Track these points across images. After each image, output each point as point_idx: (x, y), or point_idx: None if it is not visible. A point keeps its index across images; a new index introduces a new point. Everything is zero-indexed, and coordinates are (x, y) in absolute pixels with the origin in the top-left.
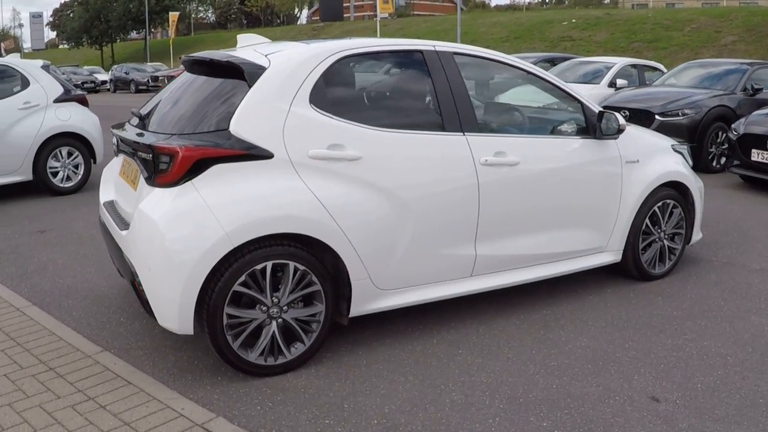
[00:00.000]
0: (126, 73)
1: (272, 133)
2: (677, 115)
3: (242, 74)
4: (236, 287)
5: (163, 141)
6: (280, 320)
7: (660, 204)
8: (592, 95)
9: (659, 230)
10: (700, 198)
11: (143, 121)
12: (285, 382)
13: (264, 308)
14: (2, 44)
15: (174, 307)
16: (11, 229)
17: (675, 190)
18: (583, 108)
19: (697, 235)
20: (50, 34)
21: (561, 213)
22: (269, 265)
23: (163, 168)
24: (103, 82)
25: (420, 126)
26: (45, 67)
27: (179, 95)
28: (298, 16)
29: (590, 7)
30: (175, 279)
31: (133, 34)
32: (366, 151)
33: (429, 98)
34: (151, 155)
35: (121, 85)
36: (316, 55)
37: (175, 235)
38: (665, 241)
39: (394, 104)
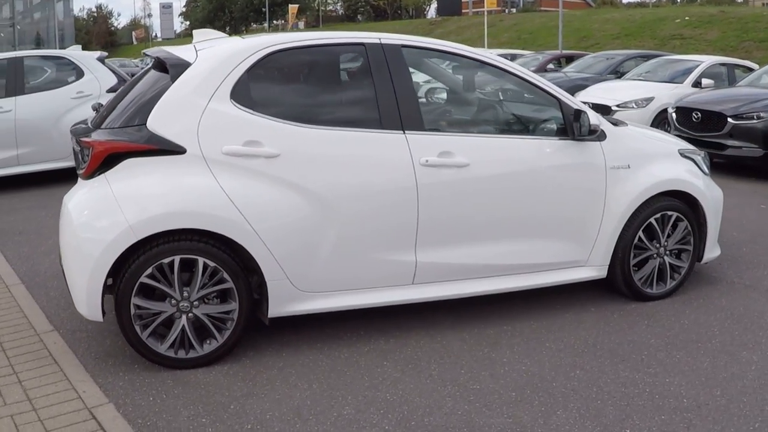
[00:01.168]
0: None
1: (186, 129)
2: (752, 118)
3: (167, 70)
4: (143, 279)
5: (85, 135)
6: (190, 315)
7: (658, 216)
8: (673, 95)
9: (658, 245)
10: (714, 210)
11: (100, 115)
12: (191, 376)
13: (174, 302)
14: (134, 33)
15: (83, 294)
16: (52, 211)
17: (681, 200)
18: (561, 106)
19: (712, 252)
20: (183, 25)
21: (525, 222)
22: (177, 259)
23: (86, 161)
24: None
25: (353, 123)
26: (100, 59)
27: (130, 90)
28: (426, 9)
29: (710, 5)
30: (84, 267)
31: (255, 26)
32: (285, 149)
33: (367, 94)
34: (80, 148)
35: None
36: (242, 50)
37: (84, 225)
38: (666, 258)
39: (326, 100)
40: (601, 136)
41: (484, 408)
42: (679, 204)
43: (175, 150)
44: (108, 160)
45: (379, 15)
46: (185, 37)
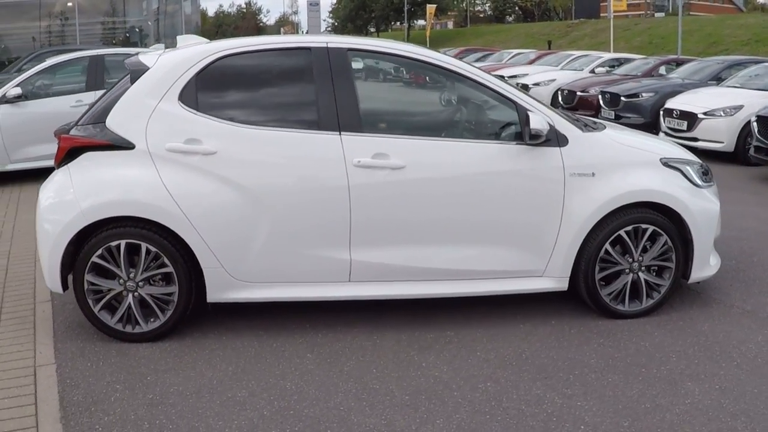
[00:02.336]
0: (376, 63)
1: (137, 127)
2: None
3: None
4: (94, 259)
5: (63, 131)
6: (136, 294)
7: (630, 228)
8: (760, 103)
9: (630, 260)
10: (705, 226)
11: (83, 113)
12: (132, 349)
13: (121, 281)
14: (282, 30)
15: (46, 268)
16: None
17: (662, 213)
18: (518, 109)
19: (702, 272)
20: (325, 22)
21: (470, 227)
22: (123, 243)
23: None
24: (358, 70)
25: (290, 124)
26: None
27: (107, 92)
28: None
29: None
30: (46, 244)
31: (398, 25)
32: (222, 147)
33: (308, 96)
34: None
35: (372, 74)
36: (192, 56)
37: (47, 208)
38: (641, 275)
39: (267, 102)
40: (561, 140)
41: (367, 407)
42: (657, 217)
43: (126, 146)
44: (70, 153)
45: (528, 16)
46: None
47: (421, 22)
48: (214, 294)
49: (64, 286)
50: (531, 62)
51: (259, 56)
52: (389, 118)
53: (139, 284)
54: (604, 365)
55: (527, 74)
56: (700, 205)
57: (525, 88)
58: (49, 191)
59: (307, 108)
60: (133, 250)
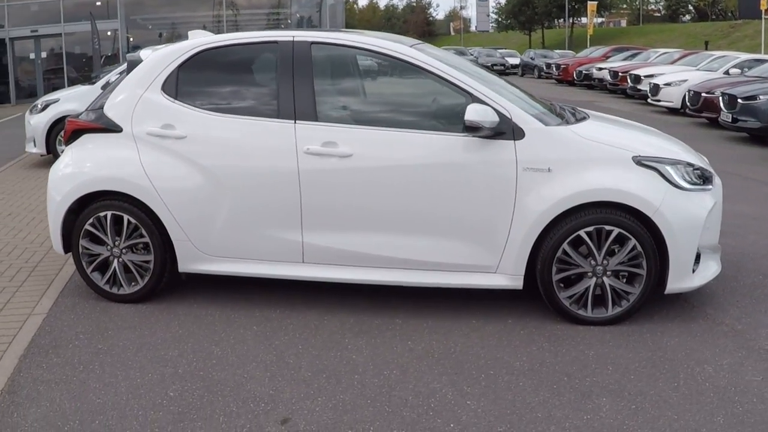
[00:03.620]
0: (531, 59)
1: (125, 113)
2: None
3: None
4: (87, 226)
5: (75, 114)
6: (120, 259)
7: (591, 229)
8: None
9: (594, 263)
10: (683, 231)
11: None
12: (116, 308)
13: (108, 247)
14: (451, 24)
15: (51, 231)
16: None
17: (632, 215)
18: (473, 100)
19: (681, 283)
20: (488, 17)
21: (418, 217)
22: (109, 214)
23: None
24: (514, 66)
25: (254, 112)
26: None
27: (117, 80)
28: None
29: None
30: (50, 211)
31: (559, 22)
32: (191, 131)
33: (272, 86)
34: None
35: (528, 70)
36: (177, 49)
37: (53, 180)
38: (606, 280)
39: (236, 92)
40: (517, 134)
41: (267, 378)
42: (623, 218)
43: (115, 129)
44: (74, 134)
45: (702, 16)
46: (501, 31)
47: (585, 19)
48: (184, 265)
49: (66, 249)
50: (673, 62)
51: (233, 50)
52: (343, 108)
53: (122, 251)
54: (527, 369)
55: (663, 74)
56: (678, 209)
57: (656, 87)
58: (57, 166)
59: (270, 97)
60: (118, 221)
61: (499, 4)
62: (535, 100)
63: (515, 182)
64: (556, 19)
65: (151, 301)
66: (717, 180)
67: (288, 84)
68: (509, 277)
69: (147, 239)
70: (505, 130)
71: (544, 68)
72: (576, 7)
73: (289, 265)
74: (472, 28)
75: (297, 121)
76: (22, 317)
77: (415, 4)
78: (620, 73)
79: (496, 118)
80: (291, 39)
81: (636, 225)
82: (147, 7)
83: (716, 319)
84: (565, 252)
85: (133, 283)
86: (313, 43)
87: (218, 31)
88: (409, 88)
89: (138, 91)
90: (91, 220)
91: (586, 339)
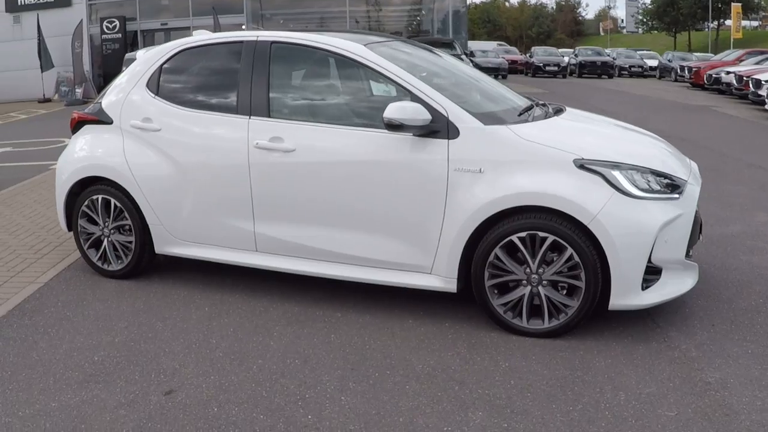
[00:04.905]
0: (669, 61)
1: (116, 107)
2: None
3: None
4: (83, 208)
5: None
6: (109, 239)
7: (524, 234)
8: None
9: (529, 271)
10: (626, 242)
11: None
12: (101, 282)
13: (99, 228)
14: (601, 24)
15: (57, 211)
16: None
17: (570, 223)
18: (414, 99)
19: (627, 299)
20: (632, 18)
21: (356, 213)
22: (100, 197)
23: None
24: (652, 68)
25: (217, 108)
26: None
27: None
28: None
29: None
30: (57, 193)
31: (703, 24)
32: (164, 125)
33: (234, 84)
34: None
35: (665, 72)
36: (162, 49)
37: (59, 166)
38: (542, 290)
39: (205, 88)
40: (452, 133)
41: (181, 353)
42: (559, 225)
43: (108, 121)
44: (78, 124)
45: None
46: (646, 32)
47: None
48: (159, 247)
49: (69, 227)
50: None
51: (207, 49)
52: (293, 105)
53: (111, 232)
54: (426, 373)
55: None
56: (622, 218)
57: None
58: (63, 153)
59: (233, 94)
60: (108, 205)
61: (645, 5)
62: (519, 98)
63: (446, 182)
64: (701, 21)
65: (136, 278)
66: (690, 189)
67: (247, 81)
68: (443, 279)
69: (128, 222)
70: (440, 128)
71: (678, 71)
72: (721, 8)
73: (244, 253)
74: (624, 29)
75: (251, 117)
76: (25, 284)
77: (563, 3)
78: (744, 78)
79: (425, 116)
80: (255, 39)
81: (573, 233)
82: (276, 2)
83: (672, 343)
84: (497, 257)
85: (119, 261)
86: (273, 42)
87: (329, 26)
88: (358, 86)
89: (127, 87)
90: (86, 203)
91: (510, 350)
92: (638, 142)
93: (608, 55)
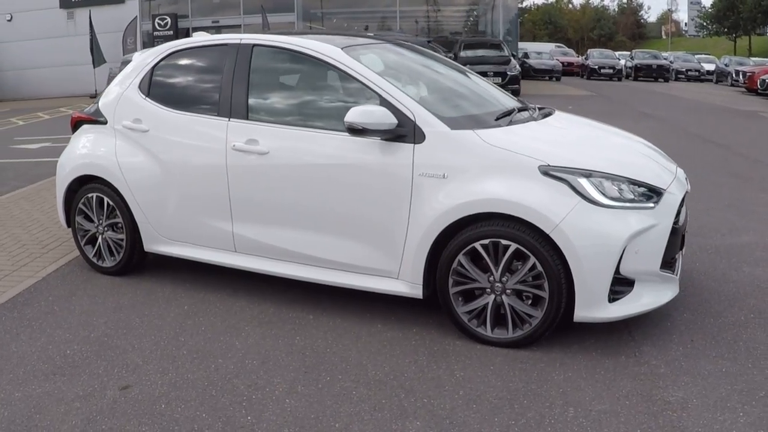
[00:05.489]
0: (726, 65)
1: (111, 107)
2: None
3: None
4: (80, 206)
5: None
6: (104, 236)
7: (487, 242)
8: None
9: (492, 279)
10: (589, 252)
11: None
12: (94, 278)
13: (95, 225)
14: (663, 28)
15: (57, 208)
16: None
17: (533, 231)
18: (382, 103)
19: (592, 311)
20: (693, 21)
21: (326, 216)
22: (94, 196)
23: None
24: (709, 72)
25: (201, 109)
26: None
27: None
28: None
29: None
30: (57, 190)
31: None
32: (152, 125)
33: (217, 86)
34: None
35: (722, 77)
36: (154, 51)
37: (59, 164)
38: (505, 299)
39: (191, 90)
40: (418, 137)
41: (117, 339)
42: (522, 234)
43: (103, 121)
44: (77, 124)
45: None
46: (706, 36)
47: None
48: (147, 245)
49: (68, 224)
50: None
51: (195, 52)
52: (270, 107)
53: (105, 229)
54: (378, 379)
55: None
56: (587, 227)
57: None
58: (64, 152)
59: (215, 96)
60: (101, 202)
61: (705, 8)
62: (510, 101)
63: (411, 187)
64: (761, 26)
65: (128, 275)
66: (670, 198)
67: (229, 84)
68: (409, 284)
69: (120, 219)
70: (406, 133)
71: (734, 75)
72: None
73: (224, 254)
74: (687, 33)
75: (231, 119)
76: (24, 278)
77: (626, 5)
78: None
79: (390, 121)
80: (239, 41)
81: (535, 242)
82: (329, 1)
83: (642, 358)
84: (461, 264)
85: (112, 258)
86: (255, 45)
87: (427, 28)
88: (333, 89)
89: (121, 88)
90: (83, 200)
91: (470, 359)
92: (618, 149)
93: (665, 59)
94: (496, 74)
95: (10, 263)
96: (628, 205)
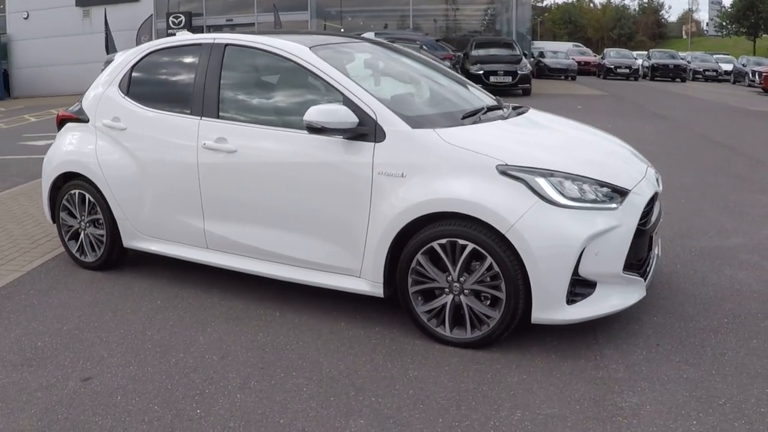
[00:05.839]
0: (743, 65)
1: (93, 106)
2: None
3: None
4: (64, 202)
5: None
6: (86, 232)
7: (444, 241)
8: None
9: (448, 279)
10: (545, 253)
11: None
12: (78, 273)
13: (77, 221)
14: (683, 27)
15: (43, 205)
16: None
17: (490, 231)
18: (345, 102)
19: (550, 313)
20: (712, 21)
21: (290, 214)
22: (77, 192)
23: None
24: (726, 72)
25: (175, 108)
26: None
27: None
28: None
29: None
30: (42, 187)
31: None
32: (129, 124)
33: (191, 85)
34: None
35: (739, 77)
36: (134, 51)
37: (46, 161)
38: (464, 299)
39: (167, 88)
40: (378, 136)
41: (87, 332)
42: (478, 233)
43: (84, 120)
44: (62, 122)
45: None
46: (725, 36)
47: None
48: (126, 241)
49: (53, 219)
50: None
51: (171, 51)
52: (239, 106)
53: (86, 225)
54: (331, 377)
55: None
56: (543, 227)
57: None
58: (49, 149)
59: (189, 95)
60: (83, 199)
61: (725, 8)
62: (486, 99)
63: (371, 186)
64: None
65: (109, 270)
66: (635, 200)
67: (202, 83)
68: (371, 283)
69: (100, 216)
70: (367, 131)
71: (750, 76)
72: None
73: (197, 250)
74: (707, 33)
75: (203, 118)
76: (9, 272)
77: (646, 4)
78: None
79: (351, 119)
80: (212, 41)
81: (492, 242)
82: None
83: (602, 362)
84: (419, 263)
85: (93, 253)
86: (227, 45)
87: (399, 25)
88: (299, 88)
89: (102, 88)
90: (66, 197)
91: (426, 359)
92: (585, 148)
93: (682, 59)
94: (506, 73)
95: None
96: (588, 205)
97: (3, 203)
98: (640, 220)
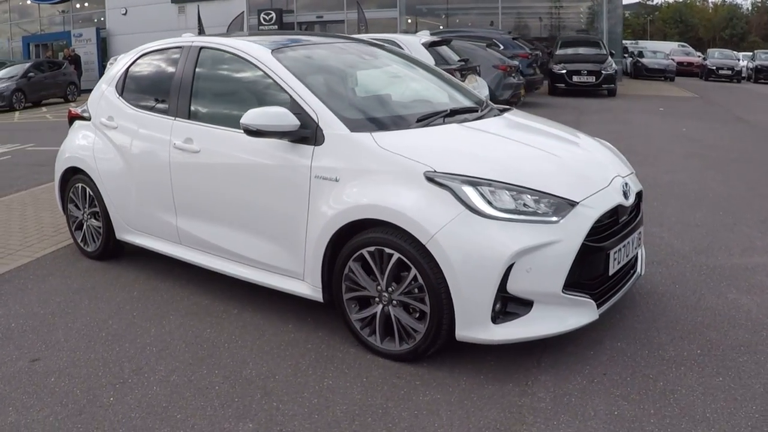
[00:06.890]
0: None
1: (94, 105)
2: None
3: None
4: (70, 194)
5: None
6: (88, 223)
7: (373, 249)
8: None
9: (378, 288)
10: (467, 267)
11: None
12: (79, 262)
13: (81, 213)
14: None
15: (56, 197)
16: None
17: (414, 241)
18: (292, 104)
19: (474, 331)
20: None
21: (242, 214)
22: (80, 186)
23: None
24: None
25: (156, 108)
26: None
27: None
28: None
29: None
30: (54, 178)
31: None
32: (120, 123)
33: (170, 86)
34: None
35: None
36: (132, 52)
37: (58, 155)
38: (392, 309)
39: (151, 90)
40: (318, 139)
41: (62, 318)
42: (403, 243)
43: (87, 118)
44: (71, 120)
45: None
46: None
47: None
48: (118, 233)
49: (64, 210)
50: None
51: (160, 54)
52: (206, 108)
53: (88, 216)
54: (245, 379)
55: None
56: (467, 239)
57: None
58: (62, 144)
59: (167, 96)
60: (85, 192)
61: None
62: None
63: (308, 190)
64: None
65: (108, 260)
66: (584, 212)
67: (177, 85)
68: (313, 288)
69: (97, 209)
70: (308, 134)
71: None
72: None
73: (173, 245)
74: None
75: (176, 119)
76: (22, 257)
77: (760, 4)
78: None
79: (291, 122)
80: (190, 44)
81: (416, 252)
82: None
83: (531, 389)
84: (351, 270)
85: (93, 243)
86: (202, 48)
87: (498, 24)
88: (259, 91)
89: (103, 87)
90: (71, 189)
91: (351, 368)
92: (540, 156)
93: (736, 58)
94: (589, 73)
95: (19, 243)
96: (521, 217)
97: (49, 192)
98: (596, 235)
